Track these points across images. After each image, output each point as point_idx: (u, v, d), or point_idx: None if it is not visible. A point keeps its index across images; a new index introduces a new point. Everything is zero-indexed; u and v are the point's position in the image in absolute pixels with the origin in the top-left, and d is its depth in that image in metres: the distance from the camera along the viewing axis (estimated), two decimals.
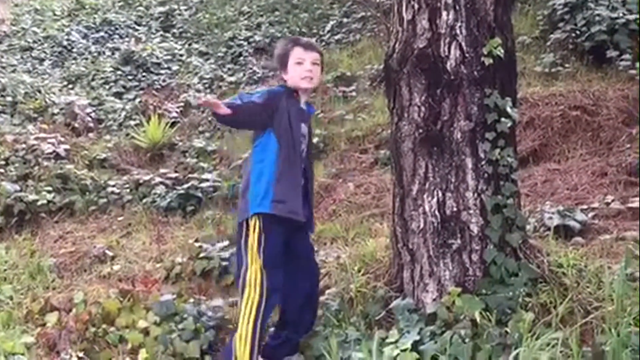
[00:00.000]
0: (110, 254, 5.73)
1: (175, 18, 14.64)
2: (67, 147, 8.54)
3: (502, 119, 3.50)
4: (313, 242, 5.38)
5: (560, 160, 6.29)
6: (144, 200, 7.10)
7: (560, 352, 2.94)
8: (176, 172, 7.85)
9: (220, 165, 8.16)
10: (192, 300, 4.23)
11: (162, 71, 12.07)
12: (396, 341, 3.26)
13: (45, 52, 13.48)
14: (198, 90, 10.76)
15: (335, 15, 12.53)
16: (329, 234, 5.53)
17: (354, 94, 9.29)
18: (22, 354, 3.82)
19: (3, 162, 7.81)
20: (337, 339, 3.42)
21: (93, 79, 11.97)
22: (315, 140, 7.83)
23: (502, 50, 3.49)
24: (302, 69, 3.55)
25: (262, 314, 3.40)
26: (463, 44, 3.49)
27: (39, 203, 6.99)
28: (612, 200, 5.13)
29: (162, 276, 4.93)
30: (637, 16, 7.54)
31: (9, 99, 10.52)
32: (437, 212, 3.54)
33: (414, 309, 3.54)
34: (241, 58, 11.88)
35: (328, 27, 12.17)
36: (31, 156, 7.97)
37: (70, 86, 11.81)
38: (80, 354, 3.83)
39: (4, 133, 8.75)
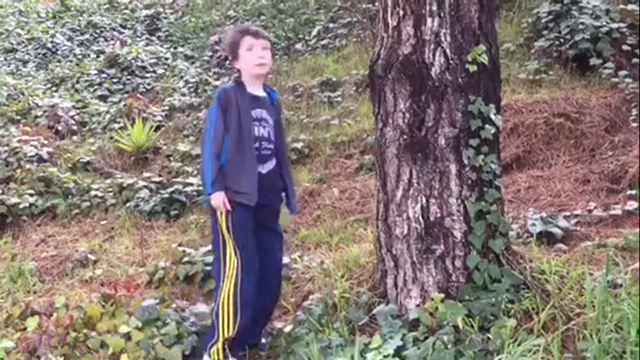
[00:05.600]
0: (93, 258, 5.69)
1: (161, 21, 14.63)
2: (50, 149, 8.49)
3: (486, 126, 3.52)
4: (297, 247, 5.43)
5: (543, 167, 6.33)
6: (128, 204, 7.06)
7: (542, 358, 2.95)
8: (160, 176, 7.82)
9: None
10: (174, 305, 4.21)
11: (147, 74, 12.04)
12: (379, 347, 3.25)
13: (29, 54, 13.41)
14: (183, 94, 10.73)
15: (321, 21, 12.56)
16: (313, 239, 5.53)
17: (339, 99, 9.31)
18: (2, 359, 3.78)
19: None
20: (319, 345, 3.41)
21: (77, 82, 11.91)
22: (300, 145, 7.84)
23: (487, 58, 3.50)
24: (253, 55, 3.72)
25: None
26: (447, 50, 3.50)
27: (21, 206, 6.94)
28: (595, 207, 5.17)
29: (145, 281, 4.90)
30: (620, 25, 7.62)
31: None
32: (420, 218, 3.55)
33: (397, 314, 3.54)
34: (227, 62, 11.87)
35: (314, 32, 12.20)
36: (13, 159, 7.92)
37: (54, 88, 11.76)
38: (61, 359, 3.80)
39: None
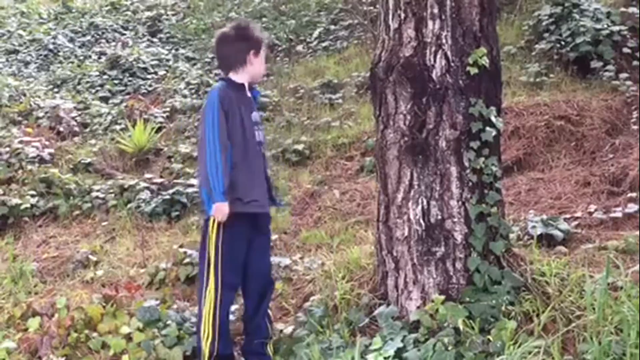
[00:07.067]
0: (94, 259, 5.70)
1: (162, 23, 14.62)
2: (52, 151, 8.49)
3: (487, 128, 3.53)
4: (298, 249, 5.44)
5: (544, 170, 6.34)
6: (129, 206, 7.06)
7: None
8: (161, 177, 7.82)
9: None
10: (175, 306, 4.22)
11: (149, 76, 12.03)
12: (379, 348, 3.26)
13: (31, 55, 13.41)
14: (184, 96, 10.73)
15: (322, 23, 12.56)
16: (313, 241, 5.54)
17: (340, 101, 9.32)
18: (4, 359, 3.79)
19: None
20: (320, 346, 3.42)
21: (79, 83, 11.91)
22: (300, 147, 7.85)
23: (487, 60, 3.51)
24: (263, 65, 3.77)
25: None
26: (449, 53, 3.51)
27: (22, 207, 6.95)
28: (595, 210, 5.18)
29: (146, 282, 4.91)
30: (620, 28, 7.63)
31: None
32: (421, 220, 3.56)
33: (397, 316, 3.55)
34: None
35: (315, 34, 12.20)
36: (15, 160, 7.91)
37: (55, 90, 11.74)
38: None
39: None
